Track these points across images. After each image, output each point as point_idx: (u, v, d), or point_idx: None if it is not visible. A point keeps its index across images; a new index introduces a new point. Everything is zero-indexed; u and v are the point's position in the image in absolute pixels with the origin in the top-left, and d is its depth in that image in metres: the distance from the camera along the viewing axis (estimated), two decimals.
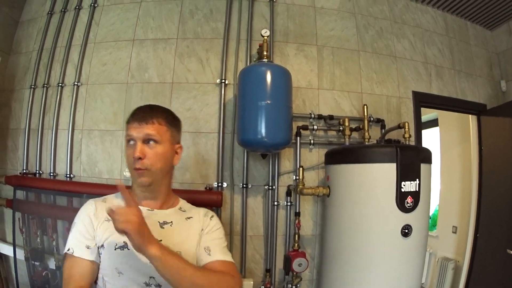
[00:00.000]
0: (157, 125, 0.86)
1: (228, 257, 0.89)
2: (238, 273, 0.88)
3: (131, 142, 0.86)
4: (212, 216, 0.97)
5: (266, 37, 1.64)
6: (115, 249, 0.81)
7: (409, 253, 1.34)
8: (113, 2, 1.95)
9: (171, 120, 0.92)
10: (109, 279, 0.81)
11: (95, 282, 0.85)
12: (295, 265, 1.60)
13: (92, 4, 1.96)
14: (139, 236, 0.68)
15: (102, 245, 0.82)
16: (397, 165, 1.32)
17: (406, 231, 1.31)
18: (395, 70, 1.96)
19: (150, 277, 0.80)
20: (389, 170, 1.33)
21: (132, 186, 0.95)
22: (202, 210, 0.99)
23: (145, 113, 0.87)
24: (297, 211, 1.71)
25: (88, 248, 0.81)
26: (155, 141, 0.86)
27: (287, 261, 1.63)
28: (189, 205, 1.01)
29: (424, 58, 2.07)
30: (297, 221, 1.68)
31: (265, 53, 1.62)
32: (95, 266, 0.82)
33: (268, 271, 1.71)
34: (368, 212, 1.36)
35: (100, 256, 0.82)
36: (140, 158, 0.83)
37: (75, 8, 1.99)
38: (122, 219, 0.68)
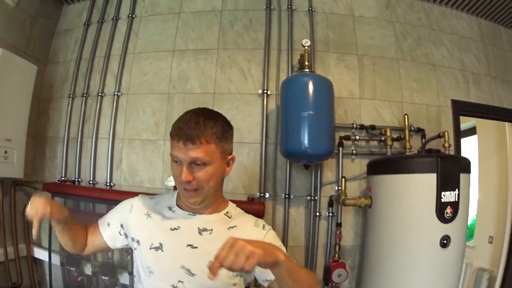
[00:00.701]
0: (204, 145, 0.75)
1: None
2: None
3: (177, 161, 0.78)
4: (264, 226, 0.87)
5: (307, 47, 1.65)
6: (150, 248, 0.81)
7: (447, 264, 1.33)
8: (151, 13, 1.98)
9: (221, 134, 0.79)
10: (143, 276, 0.83)
11: (132, 274, 0.94)
12: (334, 276, 1.60)
13: (130, 15, 1.99)
14: (268, 255, 0.61)
15: (138, 241, 0.84)
16: (437, 175, 1.31)
17: (445, 241, 1.31)
18: (434, 79, 1.94)
19: (179, 281, 0.78)
20: (429, 180, 1.32)
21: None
22: (251, 220, 0.89)
23: (190, 130, 0.75)
24: (339, 221, 1.70)
25: (108, 225, 0.92)
26: (204, 164, 0.76)
27: (327, 272, 1.63)
28: (238, 210, 0.93)
29: (462, 66, 2.04)
30: (338, 232, 1.68)
31: (306, 63, 1.63)
32: (102, 239, 0.92)
33: None
34: (408, 222, 1.36)
35: (133, 250, 0.88)
36: (188, 181, 0.76)
37: (113, 19, 2.02)
38: (240, 254, 0.57)
